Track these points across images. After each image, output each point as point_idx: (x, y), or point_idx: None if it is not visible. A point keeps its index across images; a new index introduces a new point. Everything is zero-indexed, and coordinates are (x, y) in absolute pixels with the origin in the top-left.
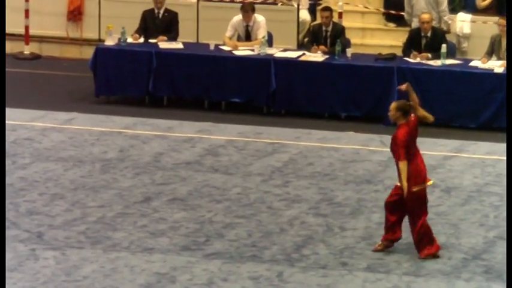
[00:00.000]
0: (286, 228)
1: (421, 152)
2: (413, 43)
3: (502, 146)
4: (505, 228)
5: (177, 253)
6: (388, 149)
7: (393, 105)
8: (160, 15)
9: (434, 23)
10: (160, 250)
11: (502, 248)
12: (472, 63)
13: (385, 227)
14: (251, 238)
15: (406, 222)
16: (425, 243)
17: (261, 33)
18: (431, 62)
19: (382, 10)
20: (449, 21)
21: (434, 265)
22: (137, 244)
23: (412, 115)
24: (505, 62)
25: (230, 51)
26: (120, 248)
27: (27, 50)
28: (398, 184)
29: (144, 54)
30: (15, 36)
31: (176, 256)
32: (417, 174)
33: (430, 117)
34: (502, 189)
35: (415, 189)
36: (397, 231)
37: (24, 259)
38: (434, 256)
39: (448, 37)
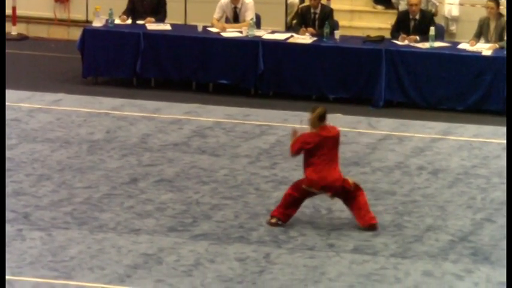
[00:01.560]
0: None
1: (410, 134)
2: (401, 25)
3: (489, 129)
4: (492, 211)
5: (164, 234)
6: (376, 131)
7: (312, 110)
8: None
9: (421, 5)
10: (147, 231)
11: (489, 230)
12: (460, 46)
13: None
14: (238, 219)
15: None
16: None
17: (249, 15)
18: (420, 45)
19: None
20: (437, 3)
21: (421, 247)
22: (124, 225)
23: (334, 128)
24: (493, 45)
25: (218, 33)
26: (107, 228)
27: (15, 30)
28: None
29: (131, 36)
30: None
31: (163, 237)
32: (317, 178)
33: None
34: (489, 171)
35: (304, 186)
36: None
37: (10, 239)
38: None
39: (437, 20)
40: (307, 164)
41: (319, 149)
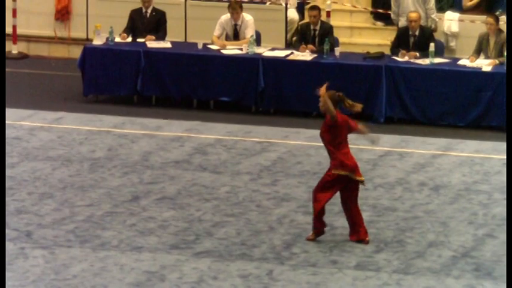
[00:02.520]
0: (276, 226)
1: (411, 150)
2: (401, 42)
3: (490, 144)
4: (494, 226)
5: (166, 252)
6: (377, 147)
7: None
8: (148, 15)
9: (421, 22)
10: (149, 249)
11: (491, 245)
12: (460, 62)
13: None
14: (240, 236)
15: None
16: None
17: (249, 33)
18: (420, 61)
19: (370, 9)
20: (437, 20)
21: (424, 263)
22: (126, 243)
23: (342, 117)
24: (493, 60)
25: (218, 50)
26: (110, 246)
27: (15, 49)
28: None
29: (132, 54)
30: None
31: (165, 255)
32: (346, 160)
33: (358, 106)
34: (491, 187)
35: (335, 172)
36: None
37: (13, 258)
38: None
39: (436, 36)
40: (334, 150)
41: (341, 134)
